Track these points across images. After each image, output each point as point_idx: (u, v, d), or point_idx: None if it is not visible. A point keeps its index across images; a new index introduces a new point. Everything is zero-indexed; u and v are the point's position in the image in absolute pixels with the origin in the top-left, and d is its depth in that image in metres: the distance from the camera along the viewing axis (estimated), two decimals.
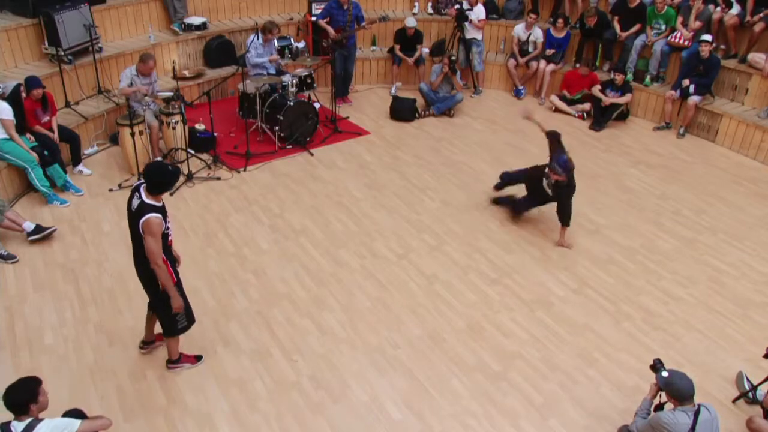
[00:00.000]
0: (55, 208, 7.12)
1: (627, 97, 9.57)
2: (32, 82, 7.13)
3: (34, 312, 5.66)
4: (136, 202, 4.38)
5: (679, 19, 9.61)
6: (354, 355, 5.32)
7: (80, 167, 7.82)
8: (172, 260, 4.67)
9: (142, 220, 4.29)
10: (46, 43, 8.39)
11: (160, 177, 4.38)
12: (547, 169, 6.57)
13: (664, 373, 4.23)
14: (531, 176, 6.98)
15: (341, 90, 9.95)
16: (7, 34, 8.22)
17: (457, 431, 4.68)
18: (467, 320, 5.75)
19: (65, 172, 7.43)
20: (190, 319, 4.91)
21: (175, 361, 5.07)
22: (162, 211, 4.39)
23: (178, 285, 4.69)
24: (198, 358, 5.17)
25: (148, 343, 5.23)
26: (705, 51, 8.85)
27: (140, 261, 4.55)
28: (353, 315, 5.77)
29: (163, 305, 4.68)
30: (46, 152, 7.15)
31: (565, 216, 6.68)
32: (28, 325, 5.50)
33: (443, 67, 9.59)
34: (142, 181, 4.43)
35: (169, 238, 4.59)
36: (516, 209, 7.15)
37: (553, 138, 6.65)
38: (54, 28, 8.19)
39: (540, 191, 6.79)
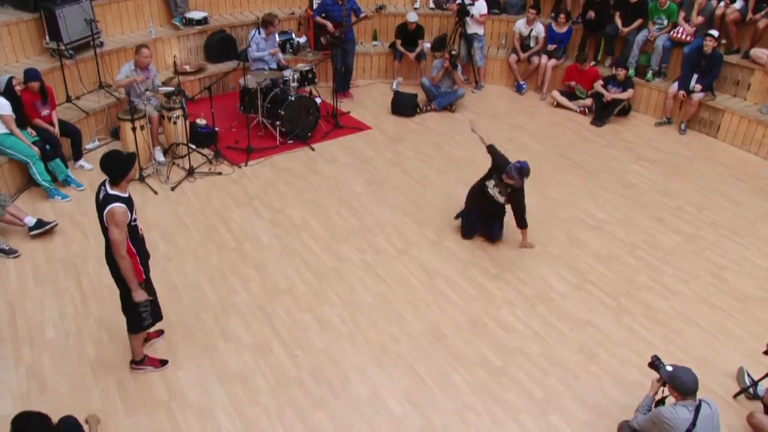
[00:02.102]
0: (56, 202, 7.12)
1: (629, 93, 9.55)
2: (30, 75, 7.12)
3: (36, 307, 5.66)
4: (101, 195, 4.39)
5: (681, 14, 9.58)
6: (355, 350, 5.32)
7: (81, 162, 7.82)
8: (144, 254, 4.66)
9: (106, 210, 4.28)
10: (47, 37, 8.38)
11: (114, 162, 4.35)
12: (502, 176, 6.30)
13: (669, 368, 4.23)
14: (474, 198, 6.72)
15: (342, 85, 9.95)
16: (8, 29, 8.21)
17: (458, 426, 4.69)
18: (468, 315, 5.76)
19: (66, 166, 7.44)
20: (156, 317, 4.86)
21: (138, 362, 5.01)
22: (127, 201, 4.38)
23: (147, 280, 4.68)
24: (163, 363, 5.08)
25: None
26: (708, 46, 8.82)
27: (109, 254, 4.52)
28: (354, 310, 5.77)
29: (130, 301, 4.64)
30: (47, 147, 7.16)
31: (522, 219, 6.49)
32: (30, 320, 5.50)
33: (444, 62, 9.58)
34: (105, 179, 4.43)
35: (140, 230, 4.57)
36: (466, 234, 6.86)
37: (494, 151, 6.61)
38: (55, 22, 8.17)
39: (484, 208, 6.62)
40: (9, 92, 6.95)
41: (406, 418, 4.73)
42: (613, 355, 5.38)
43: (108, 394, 4.83)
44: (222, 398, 4.82)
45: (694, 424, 3.97)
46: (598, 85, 9.66)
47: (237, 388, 4.91)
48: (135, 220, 4.48)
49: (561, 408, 4.87)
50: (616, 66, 9.54)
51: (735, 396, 5.00)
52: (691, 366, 4.23)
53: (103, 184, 4.43)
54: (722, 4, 9.32)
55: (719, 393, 5.01)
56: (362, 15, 9.68)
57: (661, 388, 4.35)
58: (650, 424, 4.16)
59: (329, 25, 9.61)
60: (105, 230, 4.40)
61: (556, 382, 5.10)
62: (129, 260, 4.42)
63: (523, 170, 6.16)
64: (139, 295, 4.56)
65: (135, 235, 4.48)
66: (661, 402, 4.36)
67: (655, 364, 4.40)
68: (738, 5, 9.17)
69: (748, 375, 5.06)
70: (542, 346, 5.44)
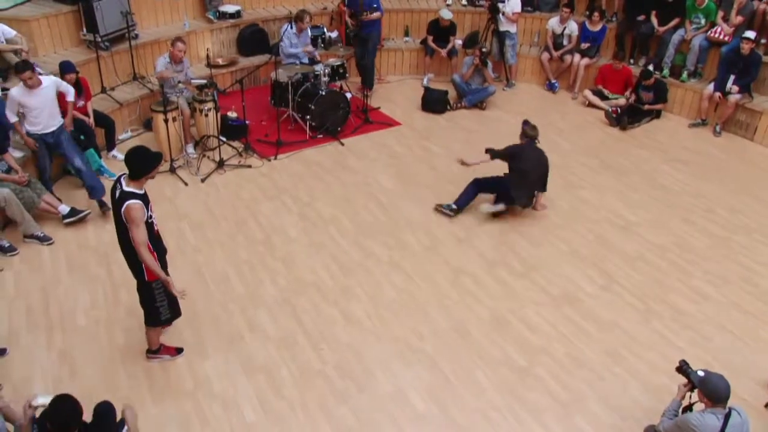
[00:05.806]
0: None
1: (659, 106, 9.42)
2: (66, 67, 7.25)
3: (68, 294, 5.78)
4: (117, 192, 4.39)
5: (720, 13, 9.39)
6: (379, 346, 5.34)
7: (114, 152, 7.95)
8: (161, 250, 4.69)
9: (123, 208, 4.28)
10: (84, 29, 8.53)
11: (139, 158, 4.36)
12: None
13: (700, 372, 4.15)
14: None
15: (364, 79, 9.84)
16: (48, 21, 8.38)
17: (481, 424, 4.68)
18: (493, 314, 5.73)
19: (100, 156, 7.56)
20: (175, 312, 4.87)
21: (154, 352, 5.07)
22: (144, 198, 4.38)
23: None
24: (178, 351, 5.14)
25: None
26: (746, 48, 8.64)
27: (125, 249, 4.52)
28: (380, 305, 5.79)
29: (146, 295, 4.67)
30: (82, 137, 7.29)
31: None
32: (62, 307, 5.62)
33: (474, 59, 9.54)
34: (123, 173, 4.44)
35: (155, 227, 4.58)
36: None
37: (496, 153, 7.10)
38: (92, 14, 8.31)
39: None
40: None
41: (429, 415, 4.74)
42: (639, 358, 5.31)
43: (136, 381, 4.91)
44: (247, 389, 4.88)
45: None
46: (630, 96, 9.48)
47: (261, 380, 4.96)
48: (151, 217, 4.49)
49: (585, 410, 4.83)
50: (642, 77, 9.28)
51: (766, 405, 4.90)
52: (720, 372, 4.15)
53: (118, 180, 4.44)
54: (764, 2, 9.11)
55: (749, 401, 4.91)
56: (375, 14, 9.45)
57: (689, 393, 4.28)
58: (676, 429, 4.10)
59: (345, 15, 9.71)
60: (121, 226, 4.41)
61: (581, 383, 5.06)
62: (152, 257, 4.43)
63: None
64: (172, 287, 4.56)
65: (151, 232, 4.48)
66: (689, 408, 4.28)
67: (683, 368, 4.33)
68: None
69: None
70: (567, 347, 5.40)
